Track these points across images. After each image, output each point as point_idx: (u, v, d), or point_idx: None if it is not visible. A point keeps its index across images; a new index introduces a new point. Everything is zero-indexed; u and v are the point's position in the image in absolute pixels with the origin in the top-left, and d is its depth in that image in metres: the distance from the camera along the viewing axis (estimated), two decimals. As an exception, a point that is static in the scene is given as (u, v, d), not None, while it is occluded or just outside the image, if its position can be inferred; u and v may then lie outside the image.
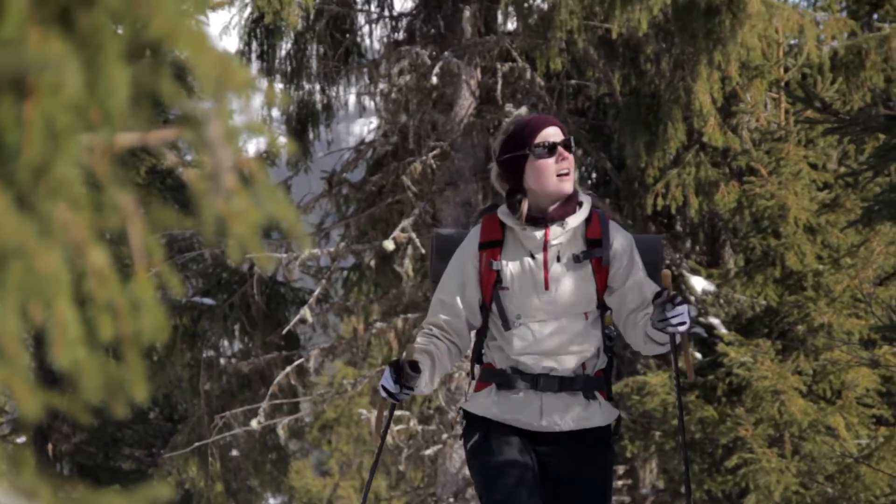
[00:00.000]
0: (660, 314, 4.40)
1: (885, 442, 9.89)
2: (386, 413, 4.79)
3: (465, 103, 11.72)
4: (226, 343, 13.06)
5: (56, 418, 14.51)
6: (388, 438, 12.65)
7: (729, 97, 11.31)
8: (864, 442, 10.15)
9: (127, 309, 1.36)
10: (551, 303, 4.62)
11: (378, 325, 11.95)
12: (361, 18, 12.39)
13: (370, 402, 17.54)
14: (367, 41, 12.42)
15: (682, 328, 4.42)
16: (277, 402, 11.97)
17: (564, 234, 4.64)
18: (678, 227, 12.67)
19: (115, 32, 1.36)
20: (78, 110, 1.33)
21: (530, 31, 11.08)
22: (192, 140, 1.41)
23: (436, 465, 12.42)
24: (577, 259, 4.63)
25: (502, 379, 4.68)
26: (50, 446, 14.93)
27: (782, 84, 10.99)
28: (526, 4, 11.11)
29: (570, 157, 4.63)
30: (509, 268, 4.65)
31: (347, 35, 12.25)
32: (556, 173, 4.60)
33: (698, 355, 10.84)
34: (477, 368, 4.81)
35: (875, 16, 12.85)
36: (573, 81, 12.27)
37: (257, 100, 1.48)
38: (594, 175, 13.05)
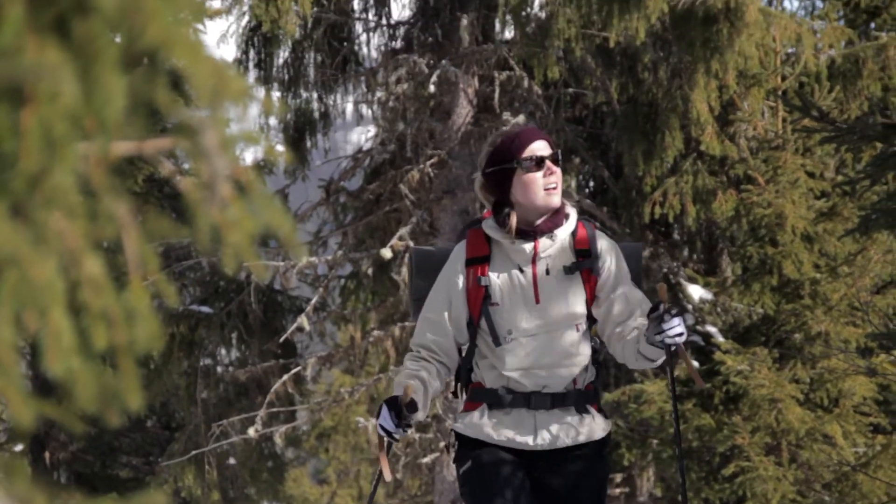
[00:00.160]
0: (656, 327, 4.37)
1: (883, 450, 9.89)
2: (384, 450, 4.71)
3: (463, 112, 11.73)
4: (223, 351, 13.06)
5: (53, 427, 14.50)
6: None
7: (726, 106, 11.32)
8: (861, 450, 10.15)
9: (121, 318, 1.36)
10: (543, 316, 4.59)
11: (375, 333, 11.95)
12: (359, 27, 12.41)
13: (367, 410, 17.54)
14: (365, 49, 12.44)
15: (680, 339, 4.39)
16: (274, 410, 11.97)
17: (553, 246, 4.61)
18: (675, 236, 12.68)
19: (112, 41, 1.36)
20: (74, 119, 1.33)
21: (528, 39, 11.09)
22: (187, 149, 1.41)
23: (433, 474, 12.41)
24: (568, 271, 4.60)
25: (493, 398, 4.64)
26: (47, 454, 14.92)
27: (780, 93, 11.00)
28: (523, 13, 11.12)
29: (558, 170, 4.59)
30: (498, 282, 4.61)
31: (345, 43, 12.26)
32: (543, 187, 4.55)
33: (695, 363, 10.84)
34: (463, 387, 4.76)
35: (872, 25, 12.87)
36: (571, 90, 12.28)
37: (255, 108, 1.48)
38: (592, 183, 13.07)
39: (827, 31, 11.60)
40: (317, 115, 12.55)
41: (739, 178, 11.24)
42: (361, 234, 12.25)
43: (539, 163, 4.56)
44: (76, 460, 15.15)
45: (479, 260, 4.66)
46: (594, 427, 4.68)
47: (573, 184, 12.56)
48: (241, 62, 12.06)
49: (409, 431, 4.62)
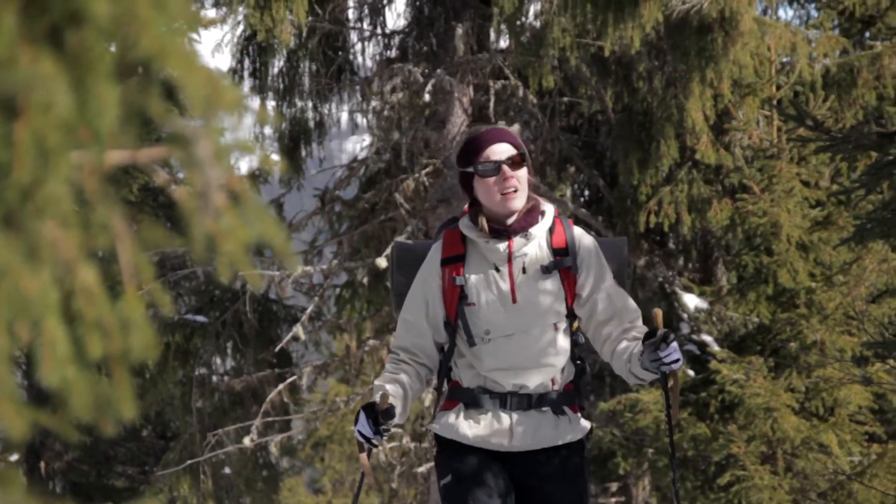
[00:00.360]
0: (652, 353, 4.34)
1: (878, 459, 9.89)
2: (364, 455, 4.70)
3: (458, 121, 11.73)
4: (218, 360, 13.05)
5: (48, 436, 14.48)
6: (381, 456, 12.64)
7: (721, 115, 11.34)
8: (856, 459, 10.15)
9: (116, 327, 1.36)
10: (520, 316, 4.54)
11: (371, 342, 11.95)
12: (354, 36, 12.42)
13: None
14: (360, 59, 12.45)
15: (676, 366, 4.37)
16: (270, 419, 11.97)
17: (529, 244, 4.56)
18: (671, 245, 12.69)
19: (106, 51, 1.36)
20: (68, 129, 1.33)
21: (523, 48, 11.10)
22: (182, 158, 1.41)
23: (428, 483, 12.40)
24: (545, 270, 4.54)
25: (470, 398, 4.62)
26: (42, 464, 14.90)
27: (774, 102, 11.01)
28: (518, 22, 11.13)
29: (519, 172, 4.50)
30: (473, 282, 4.57)
31: (340, 53, 12.27)
32: (500, 192, 4.49)
33: (691, 372, 10.84)
34: (445, 384, 4.74)
35: (867, 34, 12.90)
36: (566, 99, 12.30)
37: (249, 118, 1.48)
38: (587, 192, 13.08)
39: (822, 41, 11.63)
40: (312, 124, 12.56)
41: (734, 187, 11.25)
42: (357, 243, 12.25)
43: (496, 168, 4.51)
44: (71, 470, 15.13)
45: (454, 259, 4.62)
46: (571, 429, 4.64)
47: (568, 192, 12.57)
48: (235, 71, 12.07)
49: (387, 436, 4.60)
